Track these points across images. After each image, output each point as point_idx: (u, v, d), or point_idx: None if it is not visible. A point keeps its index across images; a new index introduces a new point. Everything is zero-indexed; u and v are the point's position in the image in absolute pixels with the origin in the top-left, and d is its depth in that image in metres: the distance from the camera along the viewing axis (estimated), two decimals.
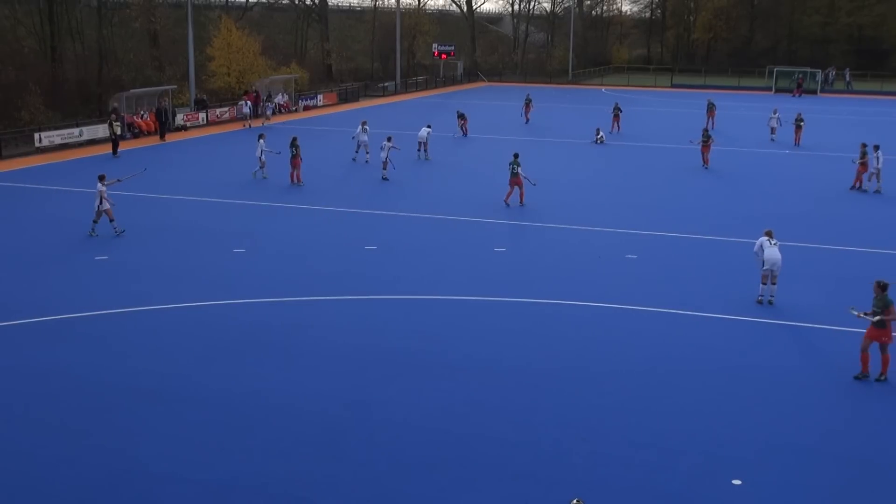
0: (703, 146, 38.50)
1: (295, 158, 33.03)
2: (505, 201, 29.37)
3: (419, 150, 39.74)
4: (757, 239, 19.93)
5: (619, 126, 50.34)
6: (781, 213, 28.92)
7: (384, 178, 34.04)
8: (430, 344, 17.04)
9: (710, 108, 53.03)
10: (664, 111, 64.98)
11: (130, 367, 15.73)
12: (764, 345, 17.38)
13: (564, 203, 30.57)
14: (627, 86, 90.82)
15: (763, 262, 19.38)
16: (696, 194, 32.73)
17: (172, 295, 19.68)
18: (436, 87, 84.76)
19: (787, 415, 14.27)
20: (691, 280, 21.56)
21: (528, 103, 55.76)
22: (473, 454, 12.76)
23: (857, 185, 33.98)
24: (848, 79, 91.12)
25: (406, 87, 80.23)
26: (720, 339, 17.59)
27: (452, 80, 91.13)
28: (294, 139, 33.52)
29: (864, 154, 33.83)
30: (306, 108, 61.88)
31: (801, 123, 46.50)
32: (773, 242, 19.35)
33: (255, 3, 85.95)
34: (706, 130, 40.37)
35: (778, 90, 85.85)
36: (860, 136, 47.77)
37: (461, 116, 48.81)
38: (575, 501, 8.86)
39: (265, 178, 33.78)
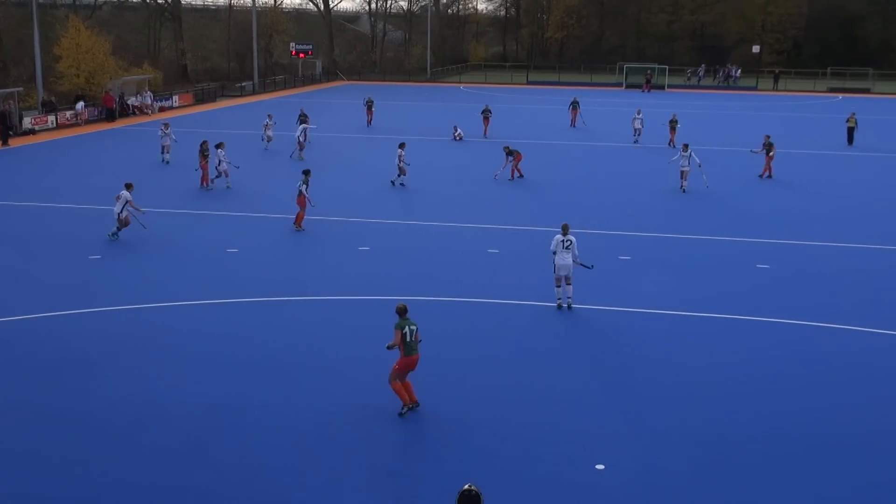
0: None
1: (202, 163, 32.62)
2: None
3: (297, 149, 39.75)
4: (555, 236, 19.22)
5: (487, 129, 48.54)
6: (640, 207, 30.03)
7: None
8: (296, 345, 16.98)
9: (574, 106, 53.56)
10: (523, 108, 66.19)
11: None
12: (622, 332, 18.04)
13: (427, 199, 30.88)
14: (485, 83, 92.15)
15: (554, 266, 18.97)
16: (551, 189, 33.55)
17: (24, 305, 18.96)
18: (295, 86, 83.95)
19: (644, 400, 14.87)
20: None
21: (369, 106, 53.07)
22: (346, 453, 12.82)
23: (767, 173, 36.01)
24: (736, 75, 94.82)
25: (264, 87, 79.19)
26: (581, 329, 18.16)
27: (311, 80, 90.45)
28: (204, 142, 33.02)
29: (768, 145, 35.89)
30: (161, 110, 60.31)
31: (676, 124, 45.04)
32: (566, 244, 18.70)
33: (105, 2, 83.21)
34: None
35: (628, 86, 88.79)
36: (720, 130, 50.09)
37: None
38: (467, 486, 8.53)
39: (229, 187, 32.35)
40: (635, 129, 46.99)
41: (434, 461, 12.66)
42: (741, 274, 22.38)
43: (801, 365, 16.44)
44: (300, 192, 25.97)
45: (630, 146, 45.85)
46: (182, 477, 12.10)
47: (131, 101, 56.92)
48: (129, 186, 25.32)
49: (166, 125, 39.09)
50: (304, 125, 40.83)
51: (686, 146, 33.17)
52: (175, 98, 63.88)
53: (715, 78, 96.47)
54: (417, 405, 14.07)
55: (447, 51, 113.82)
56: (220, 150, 32.31)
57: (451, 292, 20.36)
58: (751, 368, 16.22)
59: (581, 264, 19.03)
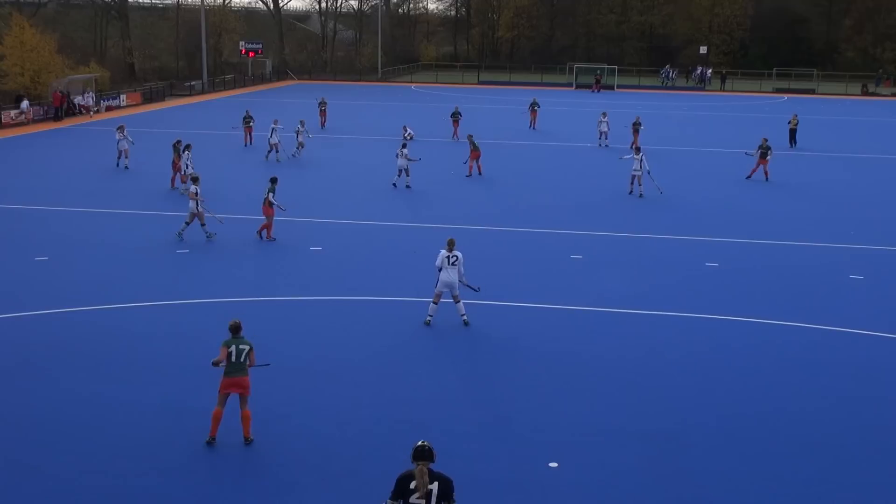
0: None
1: (176, 162, 32.17)
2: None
3: (270, 150, 38.78)
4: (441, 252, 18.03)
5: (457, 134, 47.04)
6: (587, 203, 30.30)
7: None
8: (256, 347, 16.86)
9: (533, 107, 52.91)
10: (476, 108, 66.38)
11: None
12: (573, 331, 18.19)
13: (376, 199, 30.88)
14: (436, 83, 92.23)
15: (437, 281, 17.88)
16: (506, 188, 33.71)
17: None
18: (244, 85, 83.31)
19: (595, 398, 15.02)
20: (520, 272, 22.27)
21: (322, 108, 52.01)
22: (295, 455, 12.77)
23: (762, 175, 36.17)
24: (708, 77, 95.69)
25: (213, 86, 78.50)
26: (532, 328, 18.26)
27: (261, 79, 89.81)
28: (177, 141, 32.67)
29: (765, 148, 36.19)
30: (109, 109, 59.50)
31: (640, 127, 44.26)
32: (451, 260, 17.63)
33: (50, 0, 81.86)
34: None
35: (578, 86, 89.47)
36: (678, 131, 50.60)
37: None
38: (420, 443, 9.02)
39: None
40: (601, 132, 45.73)
41: (387, 461, 12.65)
42: (690, 272, 22.69)
43: (747, 359, 16.72)
44: (267, 200, 24.68)
45: (585, 146, 46.20)
46: (136, 480, 11.97)
47: (77, 100, 56.06)
48: (195, 179, 24.95)
49: (121, 128, 37.08)
50: (273, 127, 39.26)
51: (638, 149, 33.09)
52: (122, 97, 63.06)
53: (689, 79, 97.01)
54: (248, 441, 12.91)
55: (398, 50, 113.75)
56: (186, 153, 31.54)
57: (406, 292, 20.37)
58: (699, 364, 16.46)
59: (467, 285, 17.93)
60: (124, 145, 36.15)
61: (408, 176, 33.09)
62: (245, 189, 32.10)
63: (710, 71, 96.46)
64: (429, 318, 18.05)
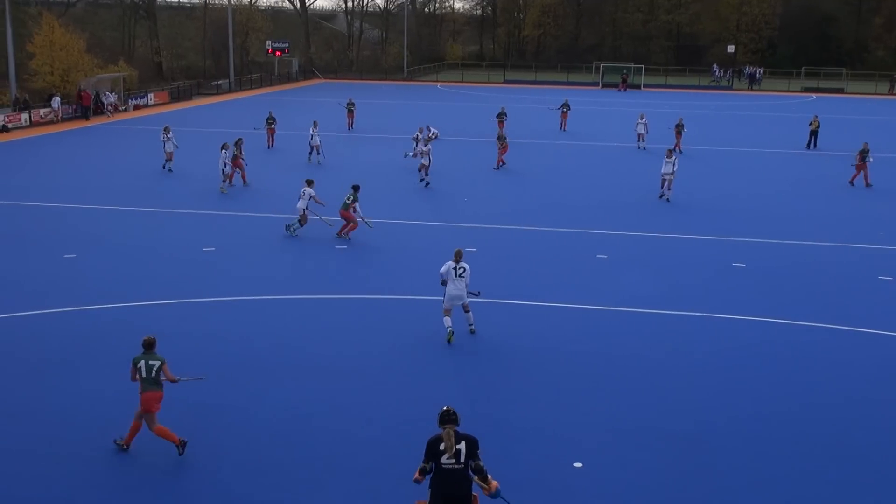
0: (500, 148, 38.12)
1: (237, 159, 32.52)
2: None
3: (311, 152, 38.47)
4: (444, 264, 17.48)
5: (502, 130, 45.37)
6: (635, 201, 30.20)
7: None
8: (274, 345, 16.95)
9: (564, 108, 52.09)
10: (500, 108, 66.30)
11: None
12: (599, 331, 18.13)
13: (399, 198, 30.92)
14: (462, 82, 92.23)
15: (445, 294, 17.23)
16: (534, 187, 33.66)
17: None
18: (271, 84, 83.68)
19: (619, 397, 14.96)
20: (529, 271, 22.23)
21: (350, 109, 51.36)
22: (320, 453, 12.81)
23: (863, 182, 35.18)
24: (759, 77, 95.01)
25: (240, 85, 78.91)
26: (557, 327, 18.21)
27: (288, 78, 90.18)
28: (239, 140, 33.18)
29: (864, 152, 35.21)
30: (136, 108, 59.99)
31: (682, 129, 43.29)
32: (459, 272, 16.98)
33: (79, 0, 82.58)
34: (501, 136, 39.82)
35: (605, 85, 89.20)
36: (714, 130, 50.33)
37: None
38: (445, 408, 9.72)
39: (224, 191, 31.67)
40: (639, 135, 44.72)
41: (410, 459, 12.64)
42: (716, 272, 22.55)
43: (772, 360, 16.59)
44: (352, 206, 24.66)
45: (612, 146, 46.07)
46: (160, 477, 12.06)
47: (105, 98, 56.52)
48: (310, 183, 25.47)
49: (166, 129, 36.30)
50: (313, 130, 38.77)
51: (671, 152, 31.73)
52: (150, 96, 63.54)
53: (741, 79, 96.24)
54: (125, 448, 12.67)
55: (424, 49, 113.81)
56: (223, 151, 31.60)
57: (428, 291, 20.39)
58: (723, 364, 16.36)
59: (469, 292, 17.27)
60: (170, 147, 35.55)
61: (426, 175, 33.16)
62: (272, 189, 32.31)
63: (761, 70, 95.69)
64: (449, 330, 17.13)
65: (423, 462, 9.60)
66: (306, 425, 13.63)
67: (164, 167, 35.48)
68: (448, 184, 33.63)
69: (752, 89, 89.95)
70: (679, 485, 12.14)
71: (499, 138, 39.22)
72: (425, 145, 34.07)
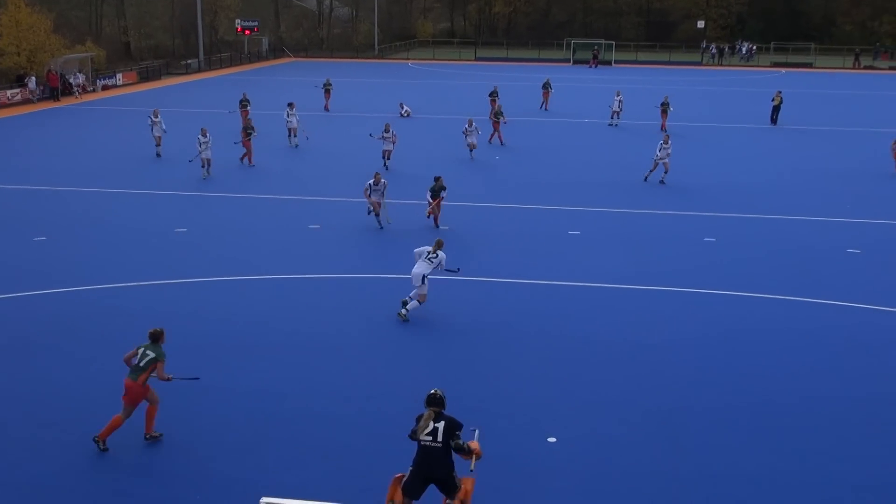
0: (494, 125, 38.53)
1: (247, 140, 32.51)
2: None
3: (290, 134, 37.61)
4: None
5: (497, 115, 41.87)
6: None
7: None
8: (247, 324, 16.96)
9: (546, 87, 51.76)
10: (472, 84, 66.25)
11: None
12: (571, 307, 18.28)
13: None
14: (433, 59, 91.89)
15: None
16: (512, 164, 33.73)
17: None
18: (241, 63, 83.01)
19: (594, 373, 15.12)
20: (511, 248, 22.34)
21: (327, 89, 50.62)
22: (298, 431, 12.86)
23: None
24: (745, 52, 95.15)
25: (210, 65, 78.20)
26: (530, 304, 18.35)
27: (258, 57, 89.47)
28: (248, 120, 33.56)
29: None
30: (105, 88, 59.36)
31: (669, 108, 43.09)
32: (430, 257, 17.33)
33: None
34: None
35: (576, 61, 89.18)
36: (695, 108, 50.51)
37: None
38: (433, 391, 10.26)
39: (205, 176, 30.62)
40: (613, 112, 45.01)
41: (386, 437, 12.75)
42: (688, 247, 22.77)
43: (747, 335, 16.81)
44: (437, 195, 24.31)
45: (584, 122, 46.20)
46: (138, 456, 12.08)
47: (73, 79, 55.87)
48: (377, 176, 24.21)
49: (155, 112, 35.12)
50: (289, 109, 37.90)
51: (668, 137, 30.80)
52: (119, 76, 62.87)
53: (734, 54, 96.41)
54: (147, 437, 12.60)
55: (394, 27, 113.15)
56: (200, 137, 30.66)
57: (401, 270, 20.46)
58: (698, 339, 16.55)
59: (447, 269, 17.66)
60: (158, 132, 34.46)
61: (388, 159, 32.56)
62: (247, 171, 32.23)
63: (754, 47, 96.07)
64: (407, 300, 17.46)
65: (409, 435, 10.18)
66: (283, 404, 13.67)
67: (157, 154, 34.27)
68: (422, 163, 33.60)
69: (721, 64, 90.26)
70: (653, 460, 12.32)
71: (495, 114, 39.35)
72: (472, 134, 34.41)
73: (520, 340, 16.49)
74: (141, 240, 22.80)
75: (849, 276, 20.58)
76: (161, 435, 12.63)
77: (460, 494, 10.05)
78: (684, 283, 19.78)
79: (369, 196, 24.27)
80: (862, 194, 29.51)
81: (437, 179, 24.67)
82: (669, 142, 30.56)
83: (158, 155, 34.21)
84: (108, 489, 11.33)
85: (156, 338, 12.52)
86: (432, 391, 10.25)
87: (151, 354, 12.34)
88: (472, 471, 10.12)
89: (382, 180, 24.35)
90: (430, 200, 24.35)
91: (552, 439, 12.77)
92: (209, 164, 30.43)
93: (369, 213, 24.56)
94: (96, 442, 12.33)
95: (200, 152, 30.22)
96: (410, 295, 17.59)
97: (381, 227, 24.13)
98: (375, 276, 20.13)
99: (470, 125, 34.65)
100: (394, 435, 12.76)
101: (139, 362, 12.31)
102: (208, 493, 11.24)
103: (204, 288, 19.13)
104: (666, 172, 30.49)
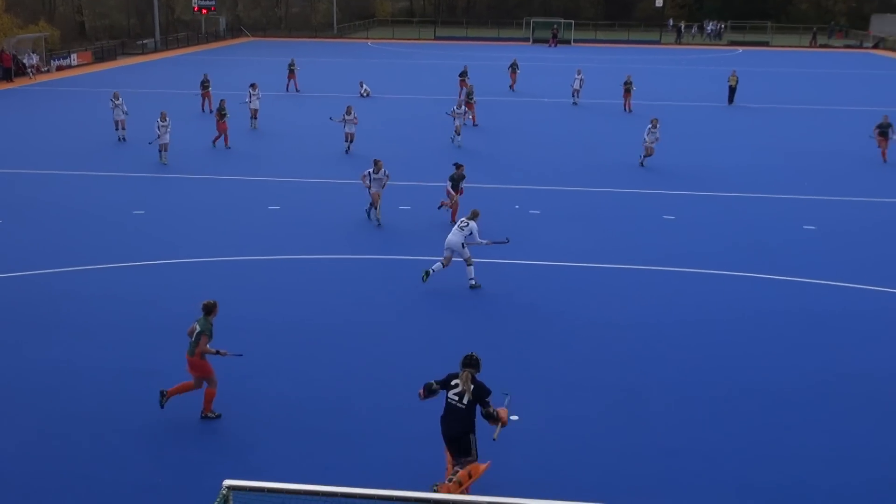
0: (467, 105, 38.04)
1: (221, 122, 32.05)
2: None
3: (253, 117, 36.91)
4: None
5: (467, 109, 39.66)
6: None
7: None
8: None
9: (514, 67, 51.71)
10: (433, 63, 66.06)
11: None
12: (531, 285, 18.38)
13: (331, 160, 30.79)
14: (393, 39, 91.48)
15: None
16: (475, 145, 33.74)
17: None
18: (198, 43, 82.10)
19: (555, 351, 15.23)
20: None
21: (291, 69, 49.88)
22: (258, 413, 12.82)
23: (884, 159, 31.52)
24: (711, 30, 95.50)
25: (166, 45, 77.26)
26: (491, 283, 18.41)
27: (215, 37, 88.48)
28: (221, 102, 32.73)
29: (884, 126, 31.50)
30: (59, 69, 58.44)
31: (632, 87, 43.22)
32: (462, 226, 18.01)
33: None
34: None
35: (535, 41, 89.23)
36: (662, 86, 50.64)
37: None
38: (469, 353, 10.68)
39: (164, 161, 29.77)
40: (574, 90, 45.43)
41: (348, 419, 12.78)
42: (647, 225, 22.96)
43: (704, 311, 17.00)
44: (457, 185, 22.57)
45: (542, 101, 46.28)
46: (92, 444, 11.98)
47: (26, 60, 54.96)
48: (378, 164, 22.24)
49: (116, 95, 33.92)
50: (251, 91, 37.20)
51: (656, 121, 30.20)
52: (73, 56, 61.88)
53: (703, 35, 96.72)
54: (204, 415, 12.67)
55: (353, 6, 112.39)
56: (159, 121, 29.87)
57: (368, 250, 20.44)
58: (656, 316, 16.72)
59: (494, 242, 18.50)
60: (119, 115, 33.45)
61: (351, 142, 31.59)
62: (209, 153, 31.93)
63: (722, 26, 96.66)
64: (427, 270, 18.18)
65: (435, 383, 10.71)
66: (243, 387, 13.59)
67: (119, 139, 33.31)
68: (388, 145, 33.48)
69: (679, 43, 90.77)
70: (613, 435, 12.45)
71: (467, 95, 39.02)
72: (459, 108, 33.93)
73: (476, 319, 16.54)
74: (96, 222, 22.55)
75: (803, 253, 20.87)
76: (219, 415, 12.66)
77: (469, 468, 10.37)
78: (642, 261, 19.96)
79: (369, 186, 22.37)
80: (818, 172, 29.91)
81: (457, 167, 22.68)
82: (658, 126, 30.05)
83: (121, 139, 33.30)
84: (72, 474, 11.23)
85: (207, 310, 12.58)
86: (469, 353, 10.62)
87: (198, 328, 12.43)
88: (494, 439, 10.53)
89: (384, 169, 22.37)
90: (451, 191, 22.28)
91: (515, 417, 12.82)
92: (166, 150, 29.65)
93: (368, 211, 22.84)
94: (162, 394, 12.60)
95: (159, 136, 29.50)
96: (469, 276, 18.11)
97: (380, 224, 22.49)
98: (335, 257, 20.08)
99: (459, 107, 33.93)
100: (355, 414, 12.80)
101: (191, 336, 12.46)
102: (170, 477, 11.18)
103: (160, 271, 18.97)
104: (648, 156, 30.13)
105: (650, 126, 30.08)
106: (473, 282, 18.16)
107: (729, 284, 18.61)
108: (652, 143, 29.91)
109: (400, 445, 12.04)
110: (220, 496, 7.85)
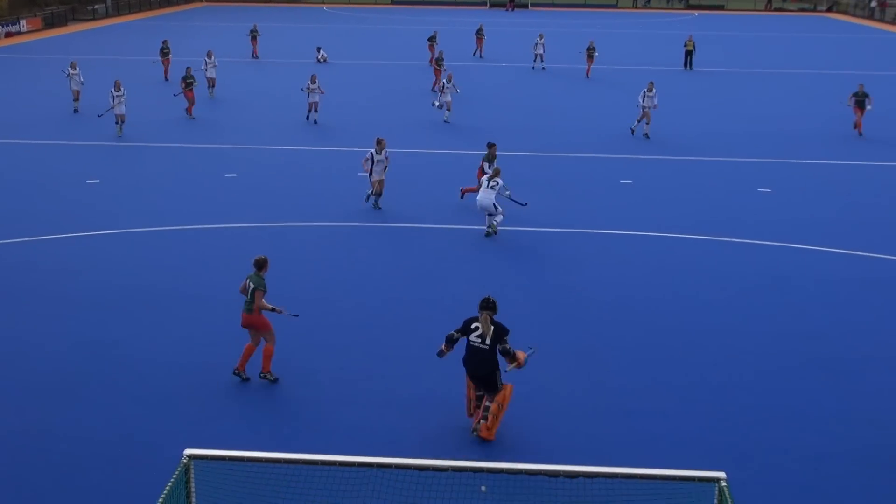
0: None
1: (188, 90, 31.36)
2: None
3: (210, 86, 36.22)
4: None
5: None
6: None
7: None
8: (163, 277, 16.73)
9: (479, 34, 51.19)
10: (390, 28, 65.57)
11: None
12: (485, 250, 18.46)
13: (294, 127, 30.57)
14: (349, 3, 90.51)
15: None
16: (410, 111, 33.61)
17: None
18: (150, 8, 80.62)
19: (514, 318, 15.32)
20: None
21: (254, 36, 49.22)
22: (221, 385, 12.78)
23: (859, 131, 30.15)
24: None
25: (118, 10, 75.79)
26: (438, 250, 18.48)
27: (168, 2, 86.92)
28: (187, 70, 31.91)
29: (861, 95, 30.12)
30: (8, 35, 57.20)
31: (594, 52, 43.31)
32: (491, 184, 18.75)
33: None
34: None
35: (492, 5, 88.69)
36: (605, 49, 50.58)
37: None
38: (486, 296, 11.16)
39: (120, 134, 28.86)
40: (536, 55, 45.24)
41: (312, 387, 12.80)
42: (605, 189, 23.11)
43: (663, 273, 17.20)
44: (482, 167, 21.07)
45: (501, 66, 46.16)
46: (51, 416, 11.88)
47: None
48: (381, 143, 20.64)
49: (73, 64, 32.99)
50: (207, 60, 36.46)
51: (652, 84, 29.15)
52: (22, 23, 60.54)
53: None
54: (262, 377, 12.74)
55: None
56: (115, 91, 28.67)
57: (326, 217, 20.37)
58: (614, 278, 16.89)
59: (514, 200, 19.41)
60: (75, 85, 32.47)
61: (316, 112, 30.93)
62: (171, 121, 31.52)
63: None
64: (486, 230, 19.32)
65: (456, 331, 11.16)
66: (204, 356, 13.55)
67: (74, 110, 32.37)
68: (353, 113, 33.25)
69: (636, 6, 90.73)
70: (572, 398, 12.59)
71: (436, 61, 38.57)
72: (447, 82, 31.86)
73: (433, 285, 16.59)
74: (50, 192, 22.24)
75: (758, 215, 21.13)
76: (277, 379, 12.70)
77: (498, 397, 11.13)
78: (600, 225, 20.10)
79: (370, 171, 20.46)
80: (773, 134, 30.20)
81: (490, 147, 21.28)
82: (654, 90, 29.00)
83: (76, 111, 32.48)
84: (30, 448, 11.15)
85: (259, 266, 12.50)
86: (485, 297, 11.02)
87: (252, 285, 12.36)
88: (506, 371, 11.14)
89: (386, 148, 20.58)
90: (487, 170, 20.10)
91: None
92: (123, 122, 28.73)
93: (367, 198, 21.05)
94: (237, 374, 12.64)
95: (113, 107, 28.49)
96: (495, 221, 19.05)
97: (380, 208, 21.06)
98: (293, 224, 19.99)
99: (449, 80, 31.68)
100: (314, 380, 12.82)
101: (247, 293, 12.41)
102: (130, 449, 11.12)
103: (115, 240, 18.78)
104: (648, 123, 29.24)
105: (646, 90, 29.08)
106: (491, 229, 19.15)
107: (684, 246, 18.81)
108: (649, 107, 29.00)
109: (365, 412, 12.08)
110: (181, 465, 7.84)
